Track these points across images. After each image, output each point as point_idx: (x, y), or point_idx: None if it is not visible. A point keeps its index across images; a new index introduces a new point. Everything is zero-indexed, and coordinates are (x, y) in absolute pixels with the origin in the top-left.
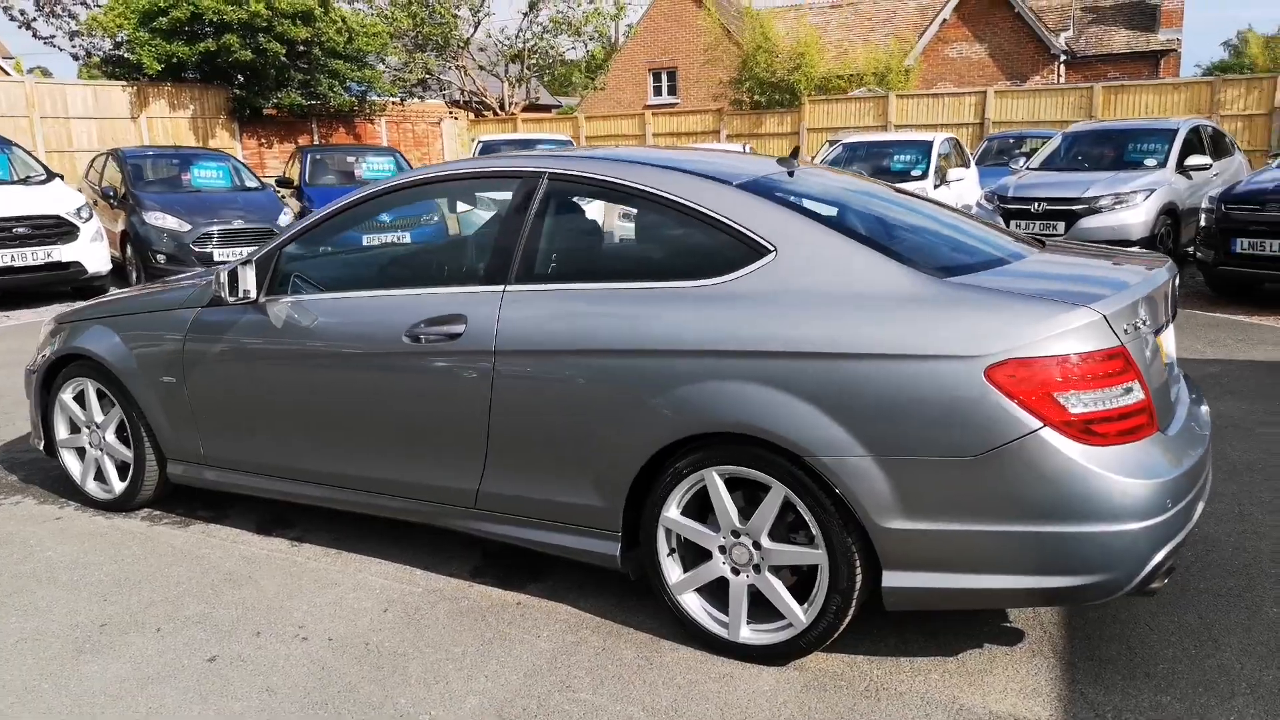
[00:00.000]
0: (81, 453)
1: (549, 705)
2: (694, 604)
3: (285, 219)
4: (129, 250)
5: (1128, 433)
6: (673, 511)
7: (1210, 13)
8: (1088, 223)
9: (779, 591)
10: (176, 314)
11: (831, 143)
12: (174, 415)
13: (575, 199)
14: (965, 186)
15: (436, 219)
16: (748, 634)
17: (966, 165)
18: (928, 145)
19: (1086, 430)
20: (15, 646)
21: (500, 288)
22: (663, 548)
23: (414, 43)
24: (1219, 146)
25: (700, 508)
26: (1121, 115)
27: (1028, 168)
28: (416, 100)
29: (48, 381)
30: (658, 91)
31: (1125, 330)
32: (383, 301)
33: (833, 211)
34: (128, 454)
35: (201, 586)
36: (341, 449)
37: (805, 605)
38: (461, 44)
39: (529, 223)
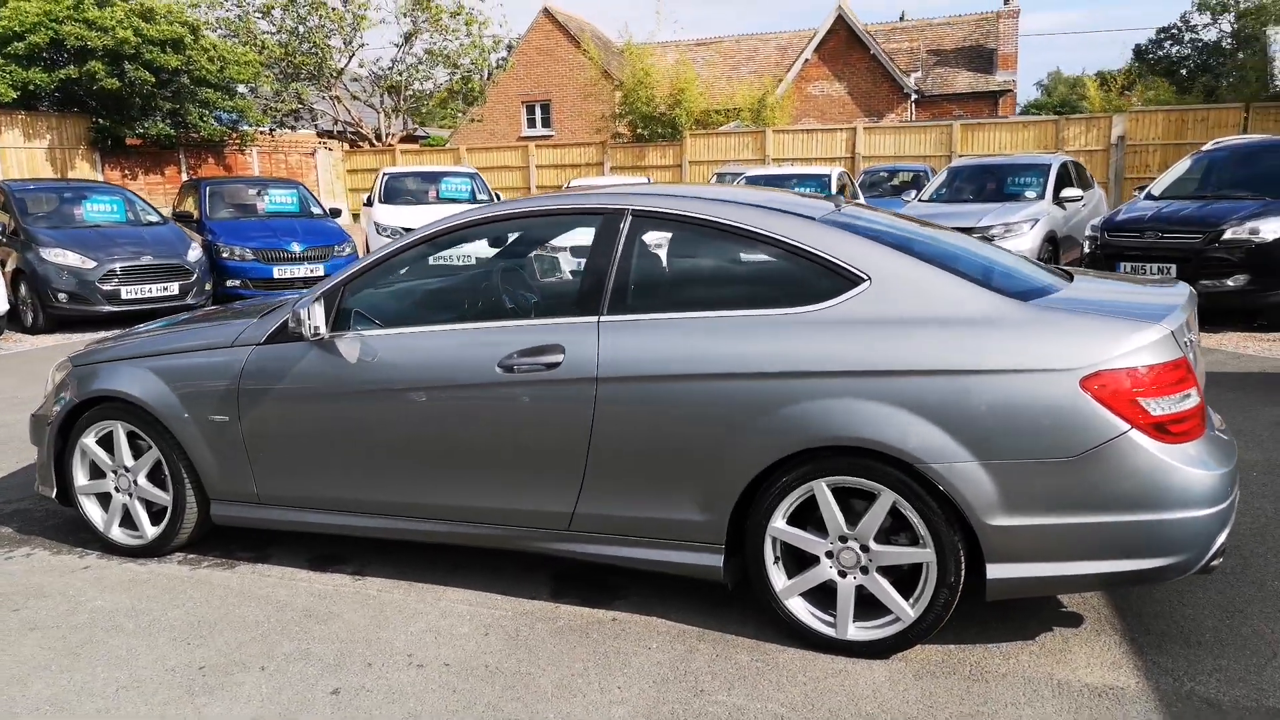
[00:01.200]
0: (104, 499)
1: (694, 709)
2: (799, 607)
3: (194, 254)
4: (23, 289)
5: (1187, 433)
6: (780, 522)
7: (1026, 56)
8: None
9: (888, 590)
10: (228, 352)
11: (719, 175)
12: (224, 455)
13: (660, 234)
14: None
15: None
16: (855, 632)
17: (857, 197)
18: (826, 178)
19: (1162, 430)
20: (119, 695)
21: (594, 318)
22: (769, 556)
23: (285, 72)
24: (1082, 179)
25: (796, 517)
26: (977, 150)
27: (918, 200)
28: (288, 131)
29: (66, 427)
30: (532, 124)
31: (1182, 344)
32: (466, 335)
33: (902, 243)
34: (164, 497)
35: (283, 624)
36: (421, 479)
37: (911, 601)
38: (335, 74)
39: (617, 256)
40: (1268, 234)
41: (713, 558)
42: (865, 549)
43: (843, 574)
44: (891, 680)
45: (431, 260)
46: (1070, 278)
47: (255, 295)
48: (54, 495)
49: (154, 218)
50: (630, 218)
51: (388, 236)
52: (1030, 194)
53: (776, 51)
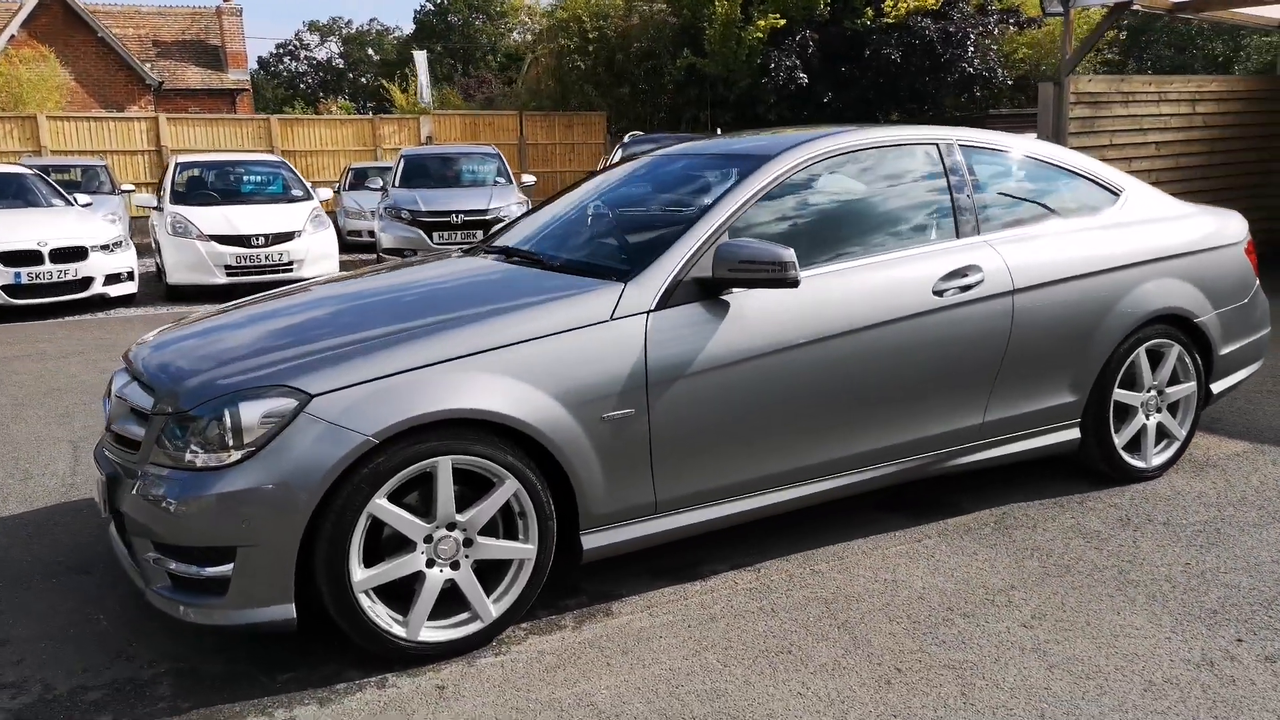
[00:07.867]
0: (396, 593)
1: (1146, 535)
2: (1127, 455)
3: None
4: None
5: None
6: (1117, 389)
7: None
8: None
9: (1173, 421)
10: (611, 327)
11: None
12: (619, 463)
13: (985, 160)
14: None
15: None
16: (1154, 459)
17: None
18: (278, 166)
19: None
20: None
21: (978, 237)
22: (1111, 418)
23: None
24: None
25: None
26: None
27: None
28: None
29: (329, 496)
30: None
31: None
32: (894, 265)
33: None
34: (522, 549)
35: (923, 617)
36: (856, 428)
37: (1179, 424)
38: None
39: (969, 182)
40: None
41: (1071, 433)
42: (1160, 393)
43: (1147, 416)
44: (1188, 482)
45: None
46: None
47: None
48: (294, 615)
49: None
50: (959, 148)
51: None
52: None
53: None
